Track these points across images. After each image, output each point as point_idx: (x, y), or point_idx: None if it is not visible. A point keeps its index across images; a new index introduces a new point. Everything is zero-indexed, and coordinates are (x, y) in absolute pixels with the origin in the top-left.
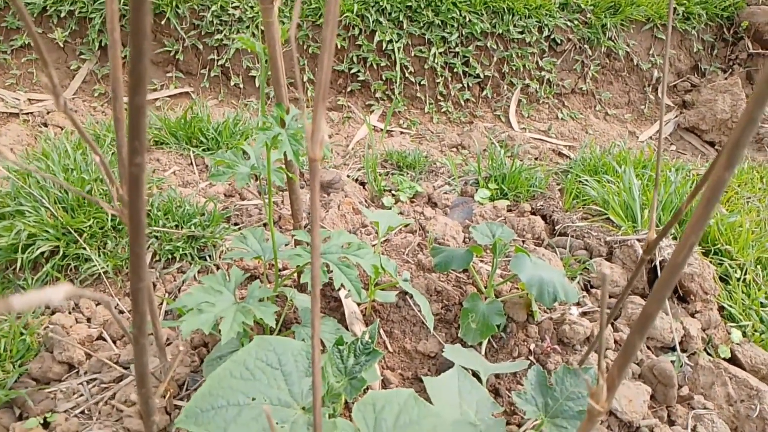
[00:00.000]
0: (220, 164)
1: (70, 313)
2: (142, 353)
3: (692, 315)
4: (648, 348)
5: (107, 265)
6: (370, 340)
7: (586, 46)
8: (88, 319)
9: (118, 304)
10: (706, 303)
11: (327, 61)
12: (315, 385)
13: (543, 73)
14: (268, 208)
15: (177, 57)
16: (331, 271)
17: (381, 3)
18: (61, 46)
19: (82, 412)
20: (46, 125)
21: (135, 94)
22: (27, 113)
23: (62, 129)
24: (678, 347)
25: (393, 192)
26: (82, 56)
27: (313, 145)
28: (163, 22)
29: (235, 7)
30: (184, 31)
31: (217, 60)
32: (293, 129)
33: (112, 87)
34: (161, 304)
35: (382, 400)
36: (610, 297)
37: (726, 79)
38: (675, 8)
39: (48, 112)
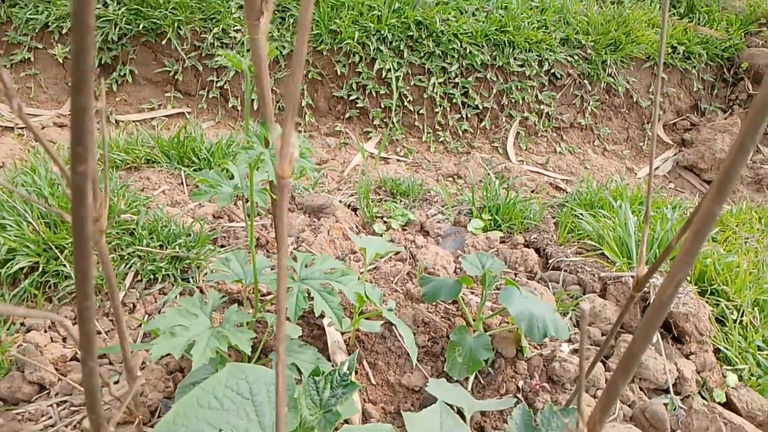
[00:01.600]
0: (203, 183)
1: (45, 331)
2: (90, 375)
3: (687, 356)
4: (640, 389)
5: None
6: (347, 372)
7: (585, 81)
8: (64, 339)
9: (95, 325)
10: (702, 344)
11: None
12: (278, 417)
13: (542, 106)
14: (250, 230)
15: (176, 77)
16: (312, 297)
17: (382, 32)
18: (61, 62)
19: None
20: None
21: (78, 94)
22: (21, 128)
23: (54, 144)
24: (671, 389)
25: (385, 219)
26: None
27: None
28: (164, 42)
29: (236, 30)
30: (185, 52)
31: (216, 82)
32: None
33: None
34: (139, 325)
35: None
36: (603, 335)
37: (726, 119)
38: (675, 47)
39: (43, 127)
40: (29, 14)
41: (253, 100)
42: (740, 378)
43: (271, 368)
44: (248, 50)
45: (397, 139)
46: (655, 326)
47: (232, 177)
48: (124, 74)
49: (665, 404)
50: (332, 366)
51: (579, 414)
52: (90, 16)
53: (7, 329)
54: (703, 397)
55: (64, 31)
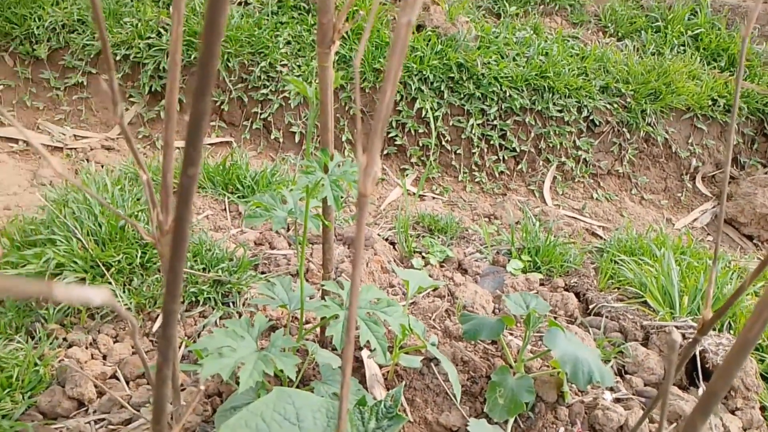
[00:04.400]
0: (257, 206)
1: (86, 348)
2: (162, 384)
3: (732, 412)
4: None
5: (131, 302)
6: (393, 404)
7: (624, 129)
8: (104, 356)
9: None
10: (748, 400)
11: (390, 93)
12: None
13: (580, 152)
14: (300, 255)
15: (222, 107)
16: (358, 326)
17: (424, 72)
18: None
19: None
20: (88, 161)
21: (199, 100)
22: (71, 148)
23: (103, 166)
24: None
25: (423, 254)
26: (131, 99)
27: (365, 179)
28: None
29: (283, 65)
30: (232, 84)
31: (260, 113)
32: (336, 175)
33: (166, 107)
34: (180, 346)
35: None
36: (646, 385)
37: (766, 173)
38: (716, 100)
39: (91, 149)
40: (86, 40)
41: (293, 133)
42: None
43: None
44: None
45: (433, 177)
46: (740, 364)
47: (285, 202)
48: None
49: None
50: (372, 399)
51: None
52: (222, 16)
53: (50, 344)
54: None
55: (118, 57)
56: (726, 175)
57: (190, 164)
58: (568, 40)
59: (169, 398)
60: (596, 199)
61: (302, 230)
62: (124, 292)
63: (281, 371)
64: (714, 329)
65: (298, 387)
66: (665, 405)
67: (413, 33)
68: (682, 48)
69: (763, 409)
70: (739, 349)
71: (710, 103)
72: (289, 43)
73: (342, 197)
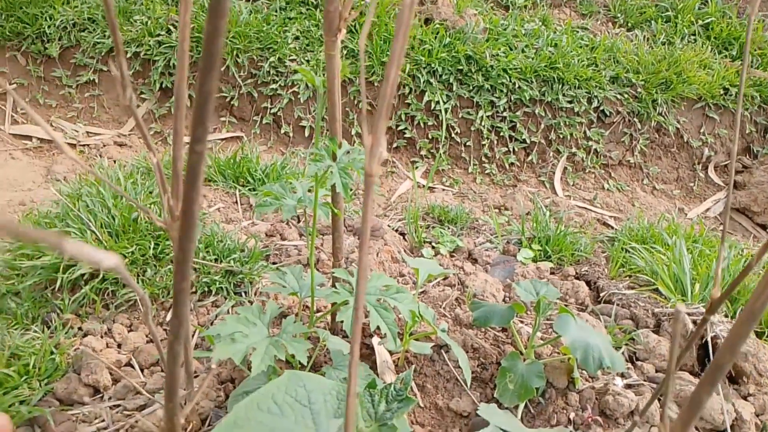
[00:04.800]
0: (267, 195)
1: (101, 337)
2: (175, 361)
3: (744, 398)
4: (696, 429)
5: (144, 293)
6: (403, 387)
7: (635, 119)
8: (119, 345)
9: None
10: (760, 386)
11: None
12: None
13: (590, 143)
14: (310, 243)
15: (232, 103)
16: (368, 313)
17: (432, 65)
18: None
19: None
20: (101, 156)
21: (205, 76)
22: (84, 145)
23: (115, 162)
24: (729, 431)
25: (433, 244)
26: (143, 95)
27: (371, 160)
28: (222, 69)
29: (292, 60)
30: (242, 79)
31: (270, 108)
32: (344, 163)
33: (175, 94)
34: (194, 334)
35: None
36: (657, 372)
37: None
38: (728, 89)
39: (104, 145)
40: (96, 38)
41: (303, 127)
42: None
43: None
44: (301, 79)
45: (443, 170)
46: (746, 335)
47: (295, 191)
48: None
49: None
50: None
51: (662, 424)
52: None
53: (66, 333)
54: None
55: (128, 55)
56: (733, 155)
57: (197, 141)
58: (578, 31)
59: (180, 378)
60: (607, 189)
61: (312, 220)
62: (138, 282)
63: (293, 357)
64: (726, 316)
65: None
66: (670, 378)
67: (421, 26)
68: (692, 37)
69: None
70: (744, 319)
71: (722, 92)
72: (297, 38)
73: (351, 187)
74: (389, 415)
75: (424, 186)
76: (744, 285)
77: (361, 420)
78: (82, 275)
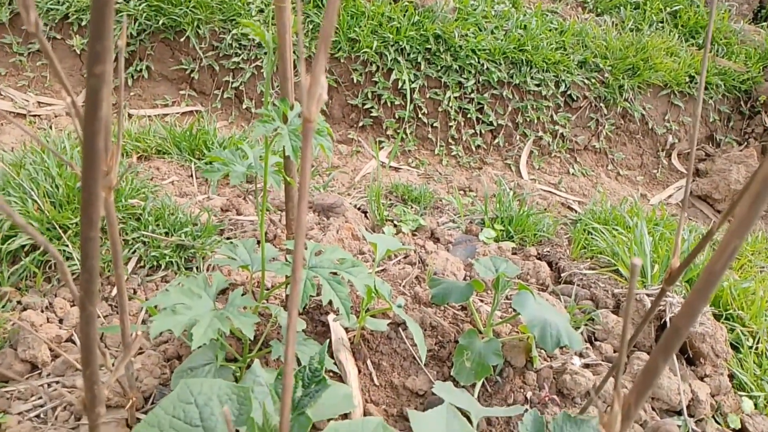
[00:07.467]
0: (216, 161)
1: (42, 311)
2: (88, 322)
3: (701, 378)
4: (652, 409)
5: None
6: (318, 366)
7: (601, 104)
8: (60, 320)
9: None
10: (717, 367)
11: (332, 7)
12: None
13: (557, 127)
14: (261, 211)
15: (192, 75)
16: (320, 286)
17: (401, 43)
18: (78, 53)
19: (38, 416)
20: (51, 128)
21: None
22: (34, 115)
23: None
24: (685, 411)
25: (395, 222)
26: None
27: (309, 102)
28: (182, 40)
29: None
30: (203, 51)
31: (232, 82)
32: (295, 125)
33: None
34: (139, 311)
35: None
36: (615, 352)
37: (741, 151)
38: (693, 77)
39: (55, 116)
40: (50, 4)
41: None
42: (756, 406)
43: (272, 358)
44: (265, 53)
45: (409, 150)
46: (705, 300)
47: (246, 157)
48: (141, 69)
49: (678, 426)
50: (335, 363)
51: (615, 393)
52: None
53: (3, 306)
54: (716, 422)
55: (83, 23)
56: (693, 141)
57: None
58: (547, 15)
59: (96, 340)
60: (572, 174)
61: (263, 188)
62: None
63: (240, 331)
64: (684, 297)
65: (260, 350)
66: (624, 344)
67: (390, 3)
68: (660, 24)
69: (731, 376)
70: (704, 283)
71: (687, 79)
72: (261, 11)
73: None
74: (307, 401)
75: (386, 165)
76: (703, 264)
77: (274, 415)
78: (23, 246)
